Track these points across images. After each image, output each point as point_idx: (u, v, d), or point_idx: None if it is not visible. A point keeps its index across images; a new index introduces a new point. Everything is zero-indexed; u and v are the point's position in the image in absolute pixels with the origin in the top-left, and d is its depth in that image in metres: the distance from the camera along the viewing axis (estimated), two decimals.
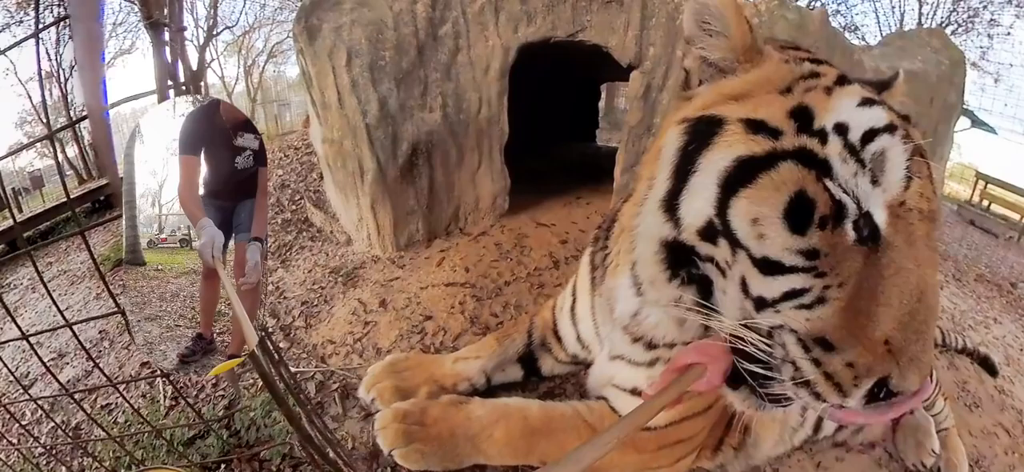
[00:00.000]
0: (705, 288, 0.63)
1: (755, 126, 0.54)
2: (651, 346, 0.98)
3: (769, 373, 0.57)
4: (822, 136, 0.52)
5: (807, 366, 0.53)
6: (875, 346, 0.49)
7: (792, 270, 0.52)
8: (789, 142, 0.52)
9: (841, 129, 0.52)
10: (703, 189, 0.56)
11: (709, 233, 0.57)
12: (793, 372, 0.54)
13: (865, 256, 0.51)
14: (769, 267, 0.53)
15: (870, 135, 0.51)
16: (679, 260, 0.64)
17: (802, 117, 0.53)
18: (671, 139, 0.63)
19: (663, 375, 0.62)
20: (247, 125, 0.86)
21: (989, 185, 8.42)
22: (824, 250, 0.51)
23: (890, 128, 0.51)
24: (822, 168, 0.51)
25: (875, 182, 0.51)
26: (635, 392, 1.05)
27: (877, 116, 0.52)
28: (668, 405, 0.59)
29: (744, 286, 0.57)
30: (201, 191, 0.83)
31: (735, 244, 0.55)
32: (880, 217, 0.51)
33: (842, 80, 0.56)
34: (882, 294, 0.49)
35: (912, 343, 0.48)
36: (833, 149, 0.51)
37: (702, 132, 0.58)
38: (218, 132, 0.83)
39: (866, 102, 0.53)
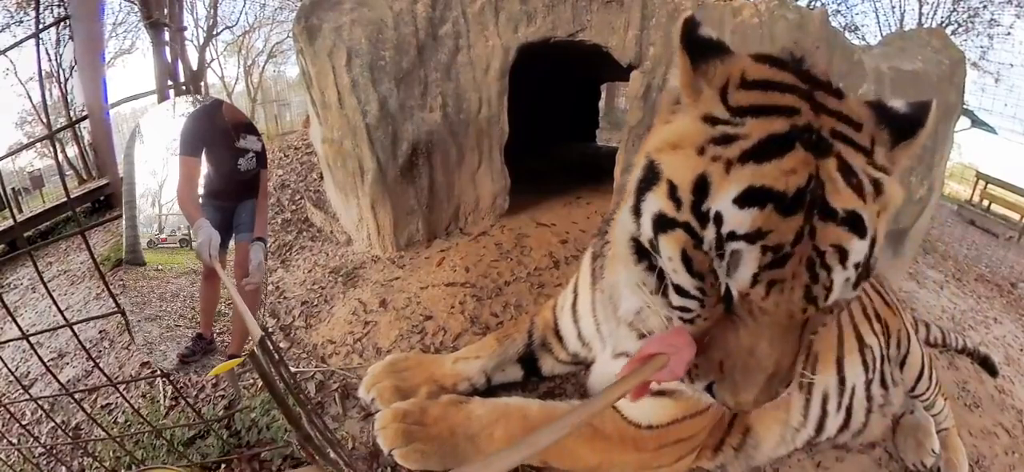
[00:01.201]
0: (662, 279, 0.72)
1: (672, 188, 0.65)
2: None
3: None
4: (705, 219, 0.62)
5: None
6: (712, 364, 0.69)
7: (688, 295, 0.68)
8: (684, 215, 0.63)
9: (718, 219, 0.60)
10: (646, 218, 0.69)
11: (653, 247, 0.70)
12: None
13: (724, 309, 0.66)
14: (677, 289, 0.69)
15: (731, 236, 0.60)
16: (641, 252, 0.74)
17: (700, 192, 0.62)
18: (638, 166, 0.73)
19: (628, 363, 0.68)
20: (249, 127, 0.86)
21: (989, 185, 8.42)
22: (708, 292, 0.66)
23: (750, 237, 0.59)
24: (699, 242, 0.63)
25: (728, 274, 0.62)
26: None
27: (742, 220, 0.59)
28: (632, 394, 0.67)
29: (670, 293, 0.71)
30: (202, 191, 0.83)
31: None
32: (733, 293, 0.64)
33: (745, 157, 0.61)
34: (723, 338, 0.67)
35: (736, 374, 0.66)
36: (709, 234, 0.61)
37: (649, 177, 0.69)
38: (220, 133, 0.83)
39: (743, 198, 0.59)
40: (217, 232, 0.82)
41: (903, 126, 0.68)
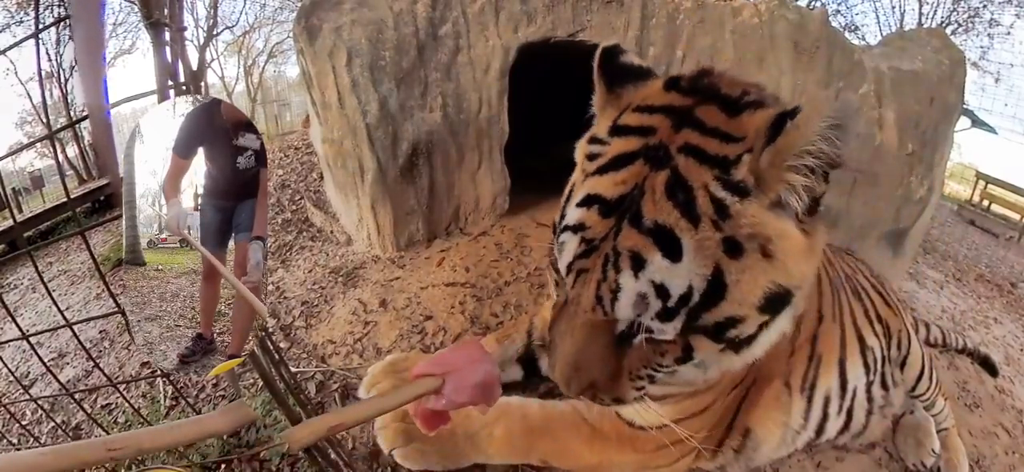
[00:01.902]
0: None
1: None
2: None
3: None
4: (562, 219, 0.69)
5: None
6: (551, 338, 0.73)
7: (557, 286, 0.73)
8: (559, 212, 0.72)
9: (562, 217, 0.70)
10: None
11: None
12: None
13: None
14: (556, 283, 0.74)
15: (565, 228, 0.67)
16: None
17: (567, 199, 0.71)
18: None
19: (412, 374, 0.71)
20: (248, 125, 0.86)
21: (989, 185, 8.42)
22: (559, 283, 0.71)
23: (574, 228, 0.65)
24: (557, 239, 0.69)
25: (558, 261, 0.68)
26: None
27: (573, 216, 0.66)
28: (414, 412, 0.71)
29: None
30: (201, 190, 0.83)
31: None
32: (562, 280, 0.69)
33: (597, 171, 0.67)
34: (554, 319, 0.72)
35: (553, 350, 0.71)
36: (558, 235, 0.69)
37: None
38: (218, 132, 0.83)
39: (581, 202, 0.66)
40: (188, 210, 0.83)
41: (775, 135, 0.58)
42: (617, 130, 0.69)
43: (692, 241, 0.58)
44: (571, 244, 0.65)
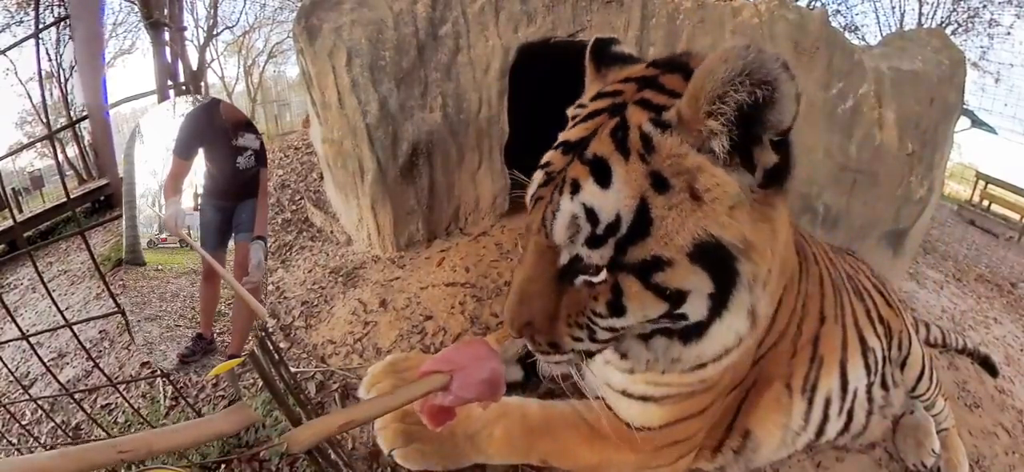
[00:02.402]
0: None
1: None
2: (625, 356, 0.98)
3: None
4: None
5: None
6: None
7: None
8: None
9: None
10: None
11: None
12: None
13: None
14: None
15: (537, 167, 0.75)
16: None
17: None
18: None
19: (419, 372, 0.73)
20: (248, 125, 0.86)
21: (989, 185, 8.42)
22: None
23: (542, 166, 0.74)
24: None
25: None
26: (626, 394, 1.05)
27: (547, 157, 0.75)
28: (421, 409, 0.73)
29: None
30: (201, 190, 0.83)
31: None
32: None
33: (572, 124, 0.77)
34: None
35: (510, 286, 0.74)
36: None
37: None
38: (218, 132, 0.83)
39: (555, 147, 0.75)
40: (186, 210, 0.83)
41: None
42: (596, 96, 0.78)
43: (622, 171, 0.64)
44: (537, 177, 0.74)
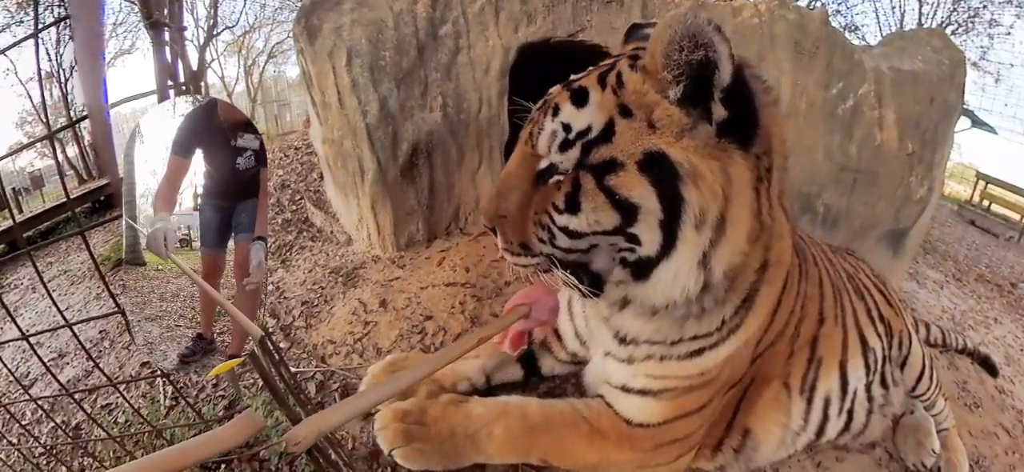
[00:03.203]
0: None
1: None
2: (624, 341, 1.04)
3: None
4: None
5: None
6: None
7: None
8: None
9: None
10: None
11: None
12: None
13: None
14: None
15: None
16: None
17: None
18: None
19: (506, 308, 0.88)
20: (247, 125, 0.86)
21: (989, 185, 8.42)
22: None
23: (539, 104, 0.85)
24: None
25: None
26: (625, 389, 1.06)
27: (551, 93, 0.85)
28: (503, 342, 0.93)
29: None
30: (201, 191, 0.83)
31: None
32: None
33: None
34: None
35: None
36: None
37: None
38: (216, 132, 0.83)
39: (574, 97, 0.81)
40: (174, 229, 0.82)
41: None
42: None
43: (597, 97, 0.78)
44: (534, 107, 0.86)
